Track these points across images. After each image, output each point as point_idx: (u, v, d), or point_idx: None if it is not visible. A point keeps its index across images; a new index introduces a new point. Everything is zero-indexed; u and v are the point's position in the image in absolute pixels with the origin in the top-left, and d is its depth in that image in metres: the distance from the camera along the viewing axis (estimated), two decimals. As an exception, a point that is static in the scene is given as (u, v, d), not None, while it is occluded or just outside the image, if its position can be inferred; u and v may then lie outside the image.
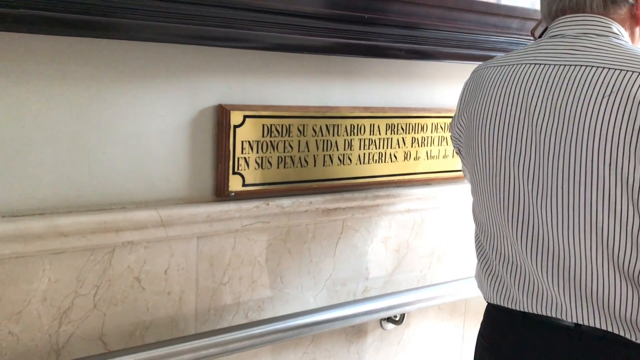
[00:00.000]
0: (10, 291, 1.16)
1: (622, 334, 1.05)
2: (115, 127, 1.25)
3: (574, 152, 1.03)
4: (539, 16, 1.76)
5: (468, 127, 1.19)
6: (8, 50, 1.12)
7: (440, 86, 1.74)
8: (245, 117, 1.38)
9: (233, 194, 1.39)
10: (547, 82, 1.07)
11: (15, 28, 1.07)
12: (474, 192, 1.21)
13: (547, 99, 1.06)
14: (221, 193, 1.39)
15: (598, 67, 1.03)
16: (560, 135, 1.04)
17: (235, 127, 1.37)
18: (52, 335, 1.22)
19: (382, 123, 1.61)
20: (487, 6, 1.67)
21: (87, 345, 1.26)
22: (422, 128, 1.69)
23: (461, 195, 1.77)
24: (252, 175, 1.42)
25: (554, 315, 1.10)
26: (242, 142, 1.39)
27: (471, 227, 1.80)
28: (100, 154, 1.24)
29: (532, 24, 1.76)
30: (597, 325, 1.06)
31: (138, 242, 1.28)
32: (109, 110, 1.24)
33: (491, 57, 1.62)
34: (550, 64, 1.08)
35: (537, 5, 1.81)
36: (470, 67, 1.68)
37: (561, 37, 1.12)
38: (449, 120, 1.74)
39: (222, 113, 1.36)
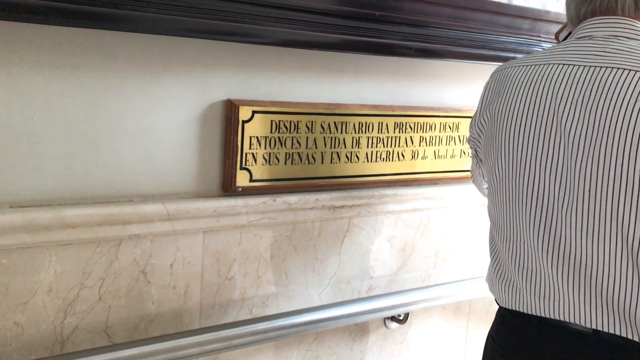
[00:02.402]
0: (16, 281, 1.16)
1: None
2: (123, 120, 1.25)
3: (603, 156, 1.01)
4: (549, 17, 1.77)
5: (490, 126, 1.16)
6: (19, 41, 1.12)
7: (450, 86, 1.74)
8: (254, 112, 1.38)
9: (240, 189, 1.39)
10: (577, 83, 1.05)
11: (27, 18, 1.07)
12: (492, 194, 1.18)
13: (577, 100, 1.04)
14: (228, 188, 1.38)
15: (631, 70, 1.01)
16: (589, 138, 1.02)
17: (244, 122, 1.37)
18: (57, 327, 1.22)
19: (390, 121, 1.60)
20: (498, 6, 1.67)
21: (91, 337, 1.26)
22: (430, 127, 1.68)
23: (468, 195, 1.77)
24: (260, 171, 1.41)
25: (571, 321, 1.08)
26: (250, 137, 1.38)
27: (477, 227, 1.81)
28: (109, 146, 1.24)
29: (543, 25, 1.77)
30: (617, 332, 1.04)
31: (144, 235, 1.28)
32: (118, 103, 1.24)
33: (502, 57, 1.63)
34: (579, 65, 1.06)
35: (548, 7, 1.82)
36: (480, 67, 1.68)
37: (589, 39, 1.09)
38: (457, 119, 1.73)
39: (230, 108, 1.36)
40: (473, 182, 1.42)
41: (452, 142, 1.74)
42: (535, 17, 1.74)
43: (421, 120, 1.66)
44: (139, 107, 1.26)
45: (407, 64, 1.62)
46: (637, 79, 0.99)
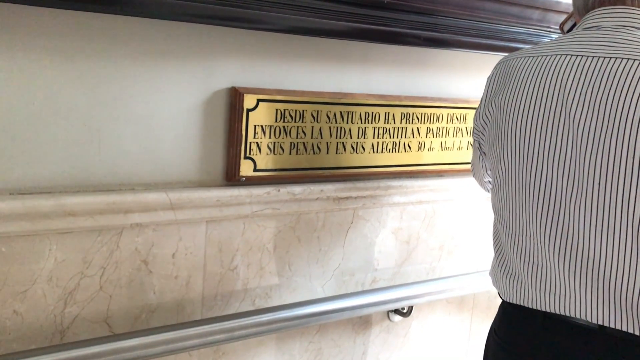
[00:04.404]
0: (16, 269, 1.15)
1: None
2: (126, 107, 1.23)
3: (613, 148, 0.99)
4: (560, 8, 1.74)
5: (495, 118, 1.14)
6: (20, 24, 1.10)
7: (458, 76, 1.71)
8: (258, 100, 1.36)
9: (244, 178, 1.37)
10: (586, 74, 1.03)
11: (29, 0, 1.05)
12: (497, 186, 1.17)
13: (586, 92, 1.02)
14: (232, 177, 1.36)
15: None
16: (599, 130, 1.00)
17: (249, 110, 1.35)
18: (57, 316, 1.21)
19: (397, 112, 1.58)
20: (509, -5, 1.64)
21: (92, 327, 1.25)
22: (438, 118, 1.66)
23: (474, 188, 1.74)
24: (264, 160, 1.39)
25: (577, 316, 1.06)
26: (255, 126, 1.36)
27: (483, 220, 1.79)
28: (111, 134, 1.22)
29: (553, 16, 1.74)
30: (623, 328, 1.03)
31: (146, 224, 1.26)
32: (121, 89, 1.22)
33: (511, 48, 1.61)
34: (588, 56, 1.04)
35: (558, -3, 1.79)
36: (488, 57, 1.66)
37: (597, 29, 1.08)
38: (465, 111, 1.71)
39: (235, 96, 1.34)
40: (474, 175, 1.40)
41: (459, 134, 1.72)
42: (546, 7, 1.72)
43: (428, 111, 1.64)
44: (142, 94, 1.24)
45: (415, 53, 1.60)
46: None
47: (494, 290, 1.24)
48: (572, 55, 1.06)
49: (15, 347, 1.17)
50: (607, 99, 1.00)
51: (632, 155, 0.98)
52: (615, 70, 1.01)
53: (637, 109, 0.98)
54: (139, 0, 1.12)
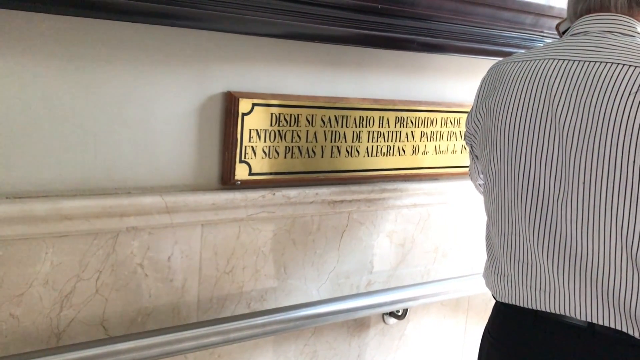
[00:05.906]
0: (12, 273, 1.15)
1: (636, 335, 1.04)
2: (122, 111, 1.24)
3: (597, 149, 1.02)
4: (553, 13, 1.76)
5: (486, 121, 1.17)
6: (16, 29, 1.11)
7: (452, 80, 1.72)
8: (254, 105, 1.37)
9: (239, 182, 1.38)
10: (572, 77, 1.06)
11: (24, 6, 1.06)
12: (488, 188, 1.19)
13: (572, 94, 1.05)
14: (227, 181, 1.37)
15: (625, 64, 1.02)
16: (584, 132, 1.03)
17: (244, 114, 1.36)
18: (53, 319, 1.21)
19: (392, 116, 1.59)
20: (502, 1, 1.65)
21: (88, 330, 1.25)
22: (432, 122, 1.67)
23: (469, 191, 1.75)
24: (259, 164, 1.40)
25: (566, 314, 1.09)
26: (250, 130, 1.37)
27: (478, 223, 1.80)
28: (107, 138, 1.23)
29: (546, 20, 1.76)
30: (612, 325, 1.05)
31: (142, 227, 1.27)
32: (117, 93, 1.23)
33: (504, 52, 1.62)
34: (574, 60, 1.07)
35: (551, 2, 1.81)
36: (482, 62, 1.67)
37: (584, 35, 1.11)
38: (459, 115, 1.72)
39: (230, 100, 1.35)
40: (471, 179, 1.42)
41: (453, 138, 1.73)
42: (539, 12, 1.73)
43: (422, 115, 1.65)
44: (138, 98, 1.25)
45: (409, 58, 1.61)
46: (630, 73, 1.01)
47: (489, 293, 1.25)
48: (559, 59, 1.09)
49: (11, 350, 1.17)
50: (591, 101, 1.03)
51: (615, 156, 1.01)
52: (600, 73, 1.04)
53: (619, 110, 1.00)
54: (133, 6, 1.13)
